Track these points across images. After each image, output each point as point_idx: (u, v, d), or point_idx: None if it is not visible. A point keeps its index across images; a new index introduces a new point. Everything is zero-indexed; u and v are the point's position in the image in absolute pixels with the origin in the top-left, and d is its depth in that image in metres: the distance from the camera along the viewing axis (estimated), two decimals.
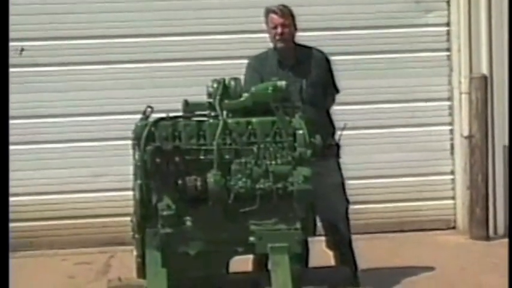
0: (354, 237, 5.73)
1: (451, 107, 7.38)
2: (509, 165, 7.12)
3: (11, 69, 6.84)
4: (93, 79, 7.14)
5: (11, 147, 6.86)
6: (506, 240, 6.79)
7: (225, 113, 4.67)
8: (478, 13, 7.17)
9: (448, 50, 7.34)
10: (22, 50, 7.10)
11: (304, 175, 4.52)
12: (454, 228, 7.42)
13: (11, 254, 6.75)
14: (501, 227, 7.21)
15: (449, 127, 7.41)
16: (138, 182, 4.57)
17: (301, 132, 4.60)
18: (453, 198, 7.44)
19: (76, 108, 7.13)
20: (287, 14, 5.52)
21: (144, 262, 4.61)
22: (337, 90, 5.74)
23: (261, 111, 4.71)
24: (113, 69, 7.13)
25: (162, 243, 4.54)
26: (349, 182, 5.76)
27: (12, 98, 6.90)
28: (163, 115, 4.66)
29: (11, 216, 6.83)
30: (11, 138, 6.88)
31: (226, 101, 4.71)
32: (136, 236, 4.63)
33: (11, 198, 6.79)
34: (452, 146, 7.42)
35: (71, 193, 7.17)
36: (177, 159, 4.54)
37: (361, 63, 7.26)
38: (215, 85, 4.74)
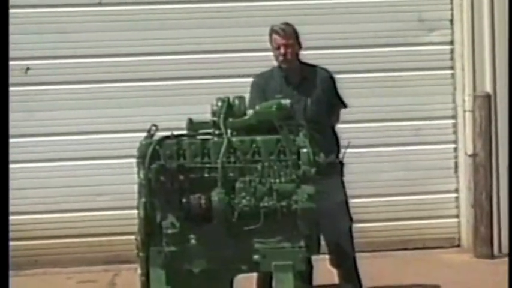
0: (358, 255, 5.73)
1: (455, 125, 7.39)
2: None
3: (15, 88, 6.92)
4: (97, 97, 7.17)
5: (15, 165, 6.91)
6: None
7: (229, 131, 4.68)
8: (481, 32, 7.19)
9: (452, 68, 7.36)
10: (27, 69, 7.13)
11: (308, 193, 4.52)
12: (458, 246, 7.41)
13: (15, 272, 6.81)
14: (505, 246, 7.19)
15: (453, 145, 7.41)
16: (143, 200, 4.57)
17: (305, 150, 4.59)
18: (457, 216, 7.43)
19: (79, 126, 7.16)
20: (290, 34, 5.54)
21: (148, 280, 4.61)
22: (344, 105, 5.75)
23: (265, 129, 4.71)
24: (117, 88, 7.16)
25: (166, 261, 4.54)
26: (353, 200, 5.77)
27: (16, 116, 6.96)
28: (167, 133, 4.67)
29: (16, 234, 6.88)
30: (15, 156, 6.93)
31: (230, 120, 4.71)
32: (141, 254, 4.62)
33: (16, 217, 6.87)
34: (456, 164, 7.42)
35: (75, 211, 7.18)
36: (181, 177, 4.55)
37: (365, 82, 7.29)
38: (219, 103, 4.74)
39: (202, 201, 4.51)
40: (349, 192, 5.67)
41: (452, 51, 7.35)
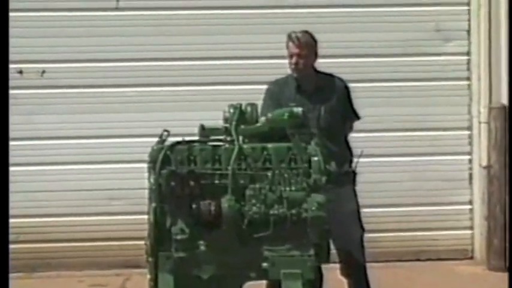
0: (370, 265, 5.70)
1: (470, 137, 7.37)
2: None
3: (31, 91, 6.97)
4: (112, 101, 7.20)
5: (29, 168, 6.95)
6: None
7: (240, 138, 4.67)
8: (498, 43, 7.17)
9: (468, 79, 7.34)
10: (43, 72, 7.16)
11: (318, 202, 4.49)
12: (471, 258, 7.38)
13: (28, 275, 6.85)
14: None
15: (468, 157, 7.39)
16: (153, 205, 4.57)
17: (316, 159, 4.57)
18: (471, 228, 7.40)
19: (93, 130, 7.19)
20: (304, 44, 5.48)
21: (156, 285, 4.60)
22: (357, 117, 5.72)
23: (277, 137, 4.70)
24: (132, 93, 7.19)
25: (175, 267, 4.52)
26: (366, 210, 5.74)
27: (33, 119, 7.00)
28: (179, 139, 4.68)
29: (30, 237, 6.93)
30: (31, 159, 6.97)
31: (242, 126, 4.70)
32: (150, 259, 4.62)
33: (30, 219, 6.91)
34: (470, 176, 7.39)
35: (89, 215, 7.21)
36: (192, 183, 4.54)
37: (380, 91, 7.28)
38: (231, 110, 4.73)
39: (212, 208, 4.50)
40: (362, 201, 5.63)
41: (468, 62, 7.33)
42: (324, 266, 4.96)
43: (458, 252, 7.36)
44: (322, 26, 6.85)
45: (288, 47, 5.53)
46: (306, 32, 5.56)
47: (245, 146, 4.62)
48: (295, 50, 5.48)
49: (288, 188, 4.54)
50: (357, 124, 5.77)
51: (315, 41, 5.56)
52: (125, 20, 7.18)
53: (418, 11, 7.29)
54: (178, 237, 4.53)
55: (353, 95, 5.71)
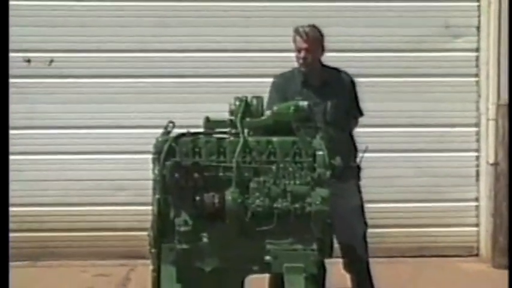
0: (374, 260, 5.68)
1: (477, 133, 7.35)
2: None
3: (39, 80, 6.98)
4: (118, 92, 7.20)
5: (34, 157, 6.96)
6: None
7: (246, 131, 4.66)
8: (507, 40, 7.13)
9: (477, 75, 7.32)
10: (51, 61, 7.16)
11: (322, 196, 4.49)
12: (476, 255, 7.36)
13: (32, 263, 6.87)
14: None
15: (475, 153, 7.37)
16: (157, 196, 4.57)
17: (321, 153, 4.56)
18: (477, 225, 7.39)
19: (100, 120, 7.20)
20: (313, 38, 5.47)
21: (159, 277, 4.61)
22: (361, 113, 5.71)
23: (282, 130, 4.68)
24: (138, 83, 7.19)
25: (177, 258, 4.53)
26: (372, 205, 5.73)
27: (39, 108, 7.01)
28: (184, 131, 4.67)
29: (33, 226, 6.94)
30: (37, 148, 6.99)
31: (247, 119, 4.69)
32: (153, 250, 4.63)
33: (34, 208, 6.93)
34: (477, 173, 7.37)
35: (94, 205, 7.21)
36: (196, 175, 4.53)
37: (388, 86, 7.26)
38: (237, 103, 4.72)
39: (216, 200, 4.50)
40: (367, 196, 5.62)
41: (477, 59, 7.31)
42: (327, 261, 4.95)
43: (464, 249, 7.34)
44: (329, 20, 6.86)
45: (295, 41, 5.51)
46: (314, 26, 5.54)
47: (250, 139, 4.62)
48: (304, 45, 5.46)
49: (292, 182, 4.54)
50: (363, 119, 5.75)
51: (322, 35, 5.55)
52: (131, 11, 7.18)
53: (427, 7, 7.26)
54: (182, 229, 4.52)
55: (360, 89, 5.69)
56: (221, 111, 4.81)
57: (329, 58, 5.62)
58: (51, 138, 7.20)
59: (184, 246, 4.52)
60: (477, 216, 7.39)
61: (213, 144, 4.63)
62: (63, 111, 7.20)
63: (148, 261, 4.79)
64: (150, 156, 4.68)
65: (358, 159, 5.46)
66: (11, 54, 6.12)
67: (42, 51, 7.08)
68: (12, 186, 5.91)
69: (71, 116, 7.21)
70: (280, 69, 5.66)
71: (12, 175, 5.91)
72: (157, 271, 4.63)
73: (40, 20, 7.10)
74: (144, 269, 6.20)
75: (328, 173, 4.53)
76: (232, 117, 4.71)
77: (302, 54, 5.46)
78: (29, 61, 7.09)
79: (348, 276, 5.61)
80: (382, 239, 6.72)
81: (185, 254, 4.52)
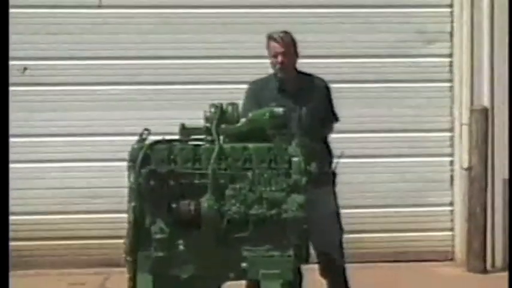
0: (350, 266, 5.70)
1: (451, 138, 7.38)
2: (509, 198, 7.10)
3: (13, 88, 6.92)
4: (93, 100, 7.18)
5: (11, 165, 6.89)
6: (503, 274, 6.75)
7: (221, 137, 4.66)
8: (480, 45, 7.20)
9: (450, 81, 7.36)
10: (25, 69, 7.13)
11: (298, 202, 4.50)
12: (451, 260, 7.39)
13: None
14: (499, 260, 7.19)
15: (450, 158, 7.41)
16: (132, 204, 4.56)
17: (296, 159, 4.57)
18: (451, 229, 7.42)
19: (74, 128, 7.17)
20: (288, 43, 5.51)
21: (135, 285, 4.59)
22: (336, 119, 5.72)
23: (258, 137, 4.69)
24: (113, 91, 7.18)
25: (154, 266, 4.52)
26: (347, 211, 5.74)
27: (15, 116, 6.96)
28: (159, 138, 4.66)
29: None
30: (11, 156, 6.92)
31: (223, 126, 4.69)
32: (129, 258, 4.61)
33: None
34: (451, 177, 7.41)
35: (69, 214, 7.18)
36: (171, 182, 4.53)
37: (362, 92, 7.29)
38: (213, 110, 4.72)
39: (192, 207, 4.49)
40: (342, 202, 5.64)
41: (451, 64, 7.36)
42: (303, 267, 4.96)
43: (439, 254, 7.37)
44: (304, 27, 6.91)
45: (269, 47, 5.53)
46: (286, 32, 5.57)
47: (226, 146, 4.62)
48: (281, 49, 5.48)
49: (268, 189, 4.55)
50: (338, 125, 5.77)
51: (295, 41, 5.57)
52: (108, 18, 7.17)
53: (401, 13, 7.30)
54: (158, 236, 4.52)
55: (334, 95, 5.71)
56: (196, 118, 4.81)
57: (304, 64, 5.64)
58: (25, 147, 7.16)
59: (161, 253, 4.52)
60: (452, 220, 7.43)
61: (188, 151, 4.62)
62: (37, 119, 7.17)
63: (124, 269, 4.77)
64: (125, 164, 4.66)
65: (333, 165, 5.47)
66: None
67: (16, 59, 7.02)
68: None
69: (45, 124, 7.18)
70: (255, 75, 5.67)
71: None
72: (133, 279, 4.62)
73: (14, 28, 7.05)
74: (120, 277, 6.16)
75: (304, 179, 4.54)
76: (208, 124, 4.71)
77: (279, 58, 5.47)
78: (25, 69, 7.08)
79: (324, 281, 5.62)
80: (358, 244, 6.72)
81: (161, 262, 4.52)
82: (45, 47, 7.16)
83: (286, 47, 5.51)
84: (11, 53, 6.60)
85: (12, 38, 6.64)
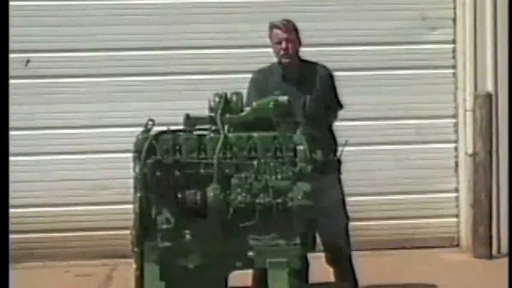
0: (355, 253, 5.71)
1: (455, 125, 7.37)
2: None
3: (16, 81, 6.92)
4: (97, 91, 7.17)
5: (14, 158, 6.90)
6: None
7: (226, 127, 4.67)
8: (483, 31, 7.17)
9: (454, 67, 7.34)
10: (28, 61, 7.13)
11: (304, 191, 4.51)
12: (457, 246, 7.39)
13: (13, 265, 6.80)
14: (504, 246, 7.18)
15: (454, 145, 7.40)
16: (138, 195, 4.58)
17: (301, 147, 4.59)
18: (457, 216, 7.42)
19: (79, 120, 7.16)
20: (291, 29, 5.52)
21: (142, 275, 4.61)
22: (340, 106, 5.72)
23: (263, 125, 4.70)
24: (117, 82, 7.16)
25: (160, 256, 4.53)
26: (352, 198, 5.75)
27: (16, 109, 6.96)
28: (164, 128, 4.67)
29: (14, 227, 6.87)
30: (14, 150, 6.92)
31: (227, 115, 4.71)
32: (135, 249, 4.63)
33: (14, 210, 6.86)
34: (456, 164, 7.40)
35: (74, 205, 7.18)
36: (177, 172, 4.55)
37: (365, 79, 7.27)
38: (217, 99, 4.74)
39: (198, 197, 4.51)
40: (348, 190, 5.65)
41: (454, 50, 7.33)
42: (309, 255, 4.97)
43: (444, 240, 7.37)
44: (307, 15, 6.90)
45: (272, 35, 5.54)
46: (288, 20, 5.58)
47: (230, 135, 4.63)
48: (284, 35, 5.48)
49: (273, 177, 4.56)
50: (342, 113, 5.77)
51: (297, 29, 5.57)
52: (110, 9, 7.14)
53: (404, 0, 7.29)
54: (164, 226, 4.54)
55: (338, 83, 5.71)
56: (201, 108, 4.81)
57: (308, 52, 5.64)
58: (31, 139, 7.16)
59: (167, 244, 4.54)
60: (457, 207, 7.42)
61: (193, 141, 4.64)
62: (43, 112, 7.17)
63: (131, 260, 4.79)
64: (131, 155, 4.67)
65: (338, 153, 5.48)
66: None
67: (18, 52, 7.01)
68: None
69: (50, 116, 7.16)
70: (259, 64, 5.67)
71: None
72: (140, 270, 4.64)
73: (16, 20, 7.05)
74: (126, 268, 6.19)
75: (309, 167, 4.56)
76: (212, 114, 4.73)
77: (283, 44, 5.47)
78: (28, 62, 7.08)
79: (330, 269, 5.63)
80: (363, 231, 6.73)
81: (168, 252, 4.53)
82: (48, 39, 7.13)
83: (289, 33, 5.51)
84: (14, 46, 6.61)
85: (15, 30, 6.63)
